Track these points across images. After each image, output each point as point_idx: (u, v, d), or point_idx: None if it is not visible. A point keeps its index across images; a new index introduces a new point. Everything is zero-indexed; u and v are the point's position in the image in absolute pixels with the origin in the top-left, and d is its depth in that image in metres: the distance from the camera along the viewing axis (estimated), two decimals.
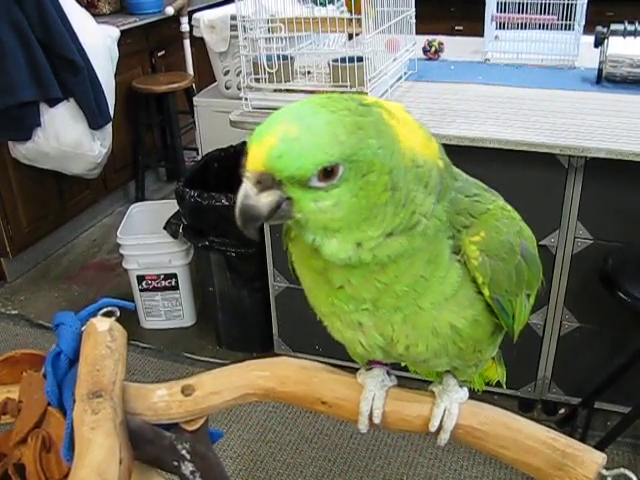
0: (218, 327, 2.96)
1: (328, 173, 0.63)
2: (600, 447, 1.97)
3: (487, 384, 1.09)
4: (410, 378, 0.90)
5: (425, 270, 0.72)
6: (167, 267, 2.97)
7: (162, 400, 0.86)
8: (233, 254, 2.64)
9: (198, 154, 3.64)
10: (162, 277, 2.99)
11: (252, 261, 2.66)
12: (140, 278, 2.99)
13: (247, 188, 0.65)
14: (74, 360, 0.85)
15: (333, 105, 0.65)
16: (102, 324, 0.85)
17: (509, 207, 0.81)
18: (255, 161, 0.64)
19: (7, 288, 3.53)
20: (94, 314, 0.90)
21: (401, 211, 0.68)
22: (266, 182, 0.64)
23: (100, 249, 3.88)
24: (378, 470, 2.36)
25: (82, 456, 0.71)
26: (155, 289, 3.02)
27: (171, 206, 2.94)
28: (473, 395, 0.88)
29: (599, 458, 0.77)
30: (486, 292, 0.76)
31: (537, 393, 2.49)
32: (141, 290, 3.01)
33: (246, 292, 2.77)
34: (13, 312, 3.33)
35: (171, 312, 3.10)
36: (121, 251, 2.98)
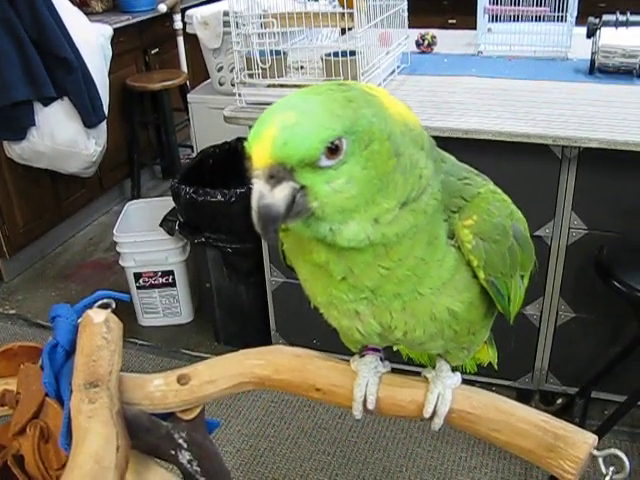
0: (216, 323, 2.96)
1: (334, 149, 0.64)
2: (597, 435, 1.98)
3: (484, 370, 1.10)
4: (403, 370, 0.90)
5: (425, 252, 0.73)
6: (164, 264, 2.97)
7: (158, 389, 0.87)
8: (229, 250, 2.65)
9: (193, 151, 3.65)
10: (159, 274, 2.99)
11: (249, 256, 2.67)
12: (137, 275, 2.99)
13: (260, 188, 0.64)
14: (71, 352, 0.86)
15: (317, 90, 0.67)
16: (98, 316, 0.86)
17: (499, 190, 0.82)
18: (261, 157, 0.63)
19: (4, 288, 3.53)
20: (90, 306, 0.90)
21: (410, 176, 0.69)
22: (278, 174, 0.63)
23: (97, 247, 3.89)
24: (377, 462, 2.37)
25: (80, 444, 0.72)
26: (152, 286, 3.03)
27: (167, 203, 2.94)
28: (471, 385, 0.89)
29: (590, 439, 0.78)
30: (481, 275, 0.77)
31: (534, 384, 2.50)
32: (138, 287, 3.02)
33: (243, 287, 2.78)
34: (11, 312, 3.33)
35: (168, 309, 3.10)
36: (118, 249, 2.99)
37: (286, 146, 0.62)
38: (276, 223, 0.66)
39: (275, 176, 0.63)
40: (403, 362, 1.05)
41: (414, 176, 0.69)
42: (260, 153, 0.63)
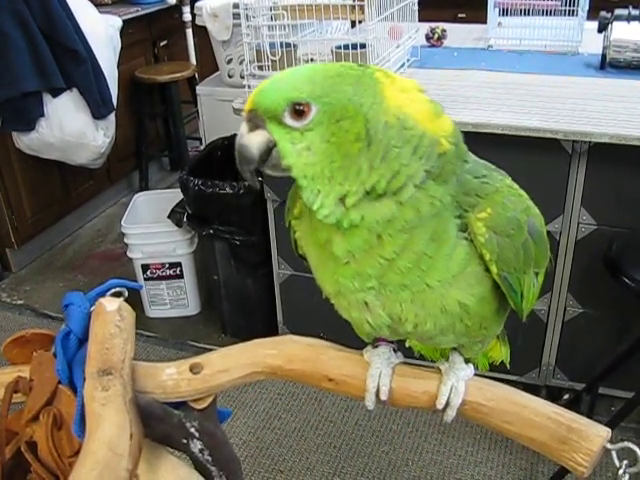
0: (223, 315, 2.97)
1: (300, 111, 0.68)
2: None
3: (491, 365, 1.10)
4: (415, 364, 0.90)
5: (428, 248, 0.73)
6: (172, 256, 2.98)
7: (171, 378, 0.87)
8: (237, 242, 2.65)
9: (201, 143, 3.65)
10: (167, 266, 3.00)
11: (256, 249, 2.67)
12: (145, 267, 3.00)
13: (241, 127, 0.72)
14: (83, 339, 0.86)
15: (332, 64, 0.72)
16: (111, 304, 0.86)
17: (516, 185, 0.81)
18: (248, 102, 0.72)
19: (12, 278, 3.55)
20: (103, 294, 0.91)
21: (380, 167, 0.69)
22: (254, 119, 0.71)
23: (104, 239, 3.90)
24: (383, 456, 2.37)
25: (93, 431, 0.72)
26: (160, 278, 3.03)
27: (175, 195, 2.95)
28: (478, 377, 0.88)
29: (604, 432, 0.77)
30: (494, 269, 0.76)
31: (541, 379, 2.50)
32: (146, 279, 3.03)
33: (250, 280, 2.78)
34: (19, 302, 3.34)
35: (176, 301, 3.11)
36: (125, 240, 2.99)
37: (259, 95, 0.70)
38: (250, 165, 0.72)
39: (251, 120, 0.71)
40: (414, 357, 1.05)
41: (388, 169, 0.69)
42: (249, 99, 0.72)
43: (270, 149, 0.71)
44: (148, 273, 3.01)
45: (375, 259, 0.73)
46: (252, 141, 0.71)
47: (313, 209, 0.72)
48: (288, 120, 0.69)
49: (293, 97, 0.68)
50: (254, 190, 2.50)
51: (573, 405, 2.43)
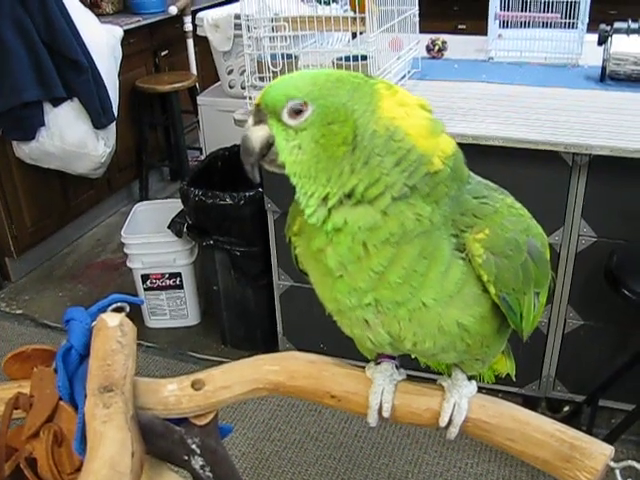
0: (222, 326, 2.96)
1: (297, 110, 0.71)
2: None
3: (496, 377, 1.10)
4: (419, 377, 0.90)
5: (417, 265, 0.72)
6: (171, 266, 2.97)
7: (172, 394, 0.86)
8: (237, 253, 2.65)
9: (202, 153, 3.65)
10: (166, 276, 2.99)
11: (257, 260, 2.66)
12: (145, 277, 2.99)
13: (249, 120, 0.75)
14: (85, 355, 0.86)
15: (337, 71, 0.75)
16: (112, 319, 0.86)
17: (517, 205, 0.81)
18: (257, 97, 0.75)
19: (11, 288, 3.54)
20: (104, 310, 0.90)
21: (360, 171, 0.70)
22: (259, 114, 0.74)
23: (104, 248, 3.89)
24: (383, 468, 2.36)
25: (95, 449, 0.71)
26: (160, 288, 3.03)
27: (175, 205, 2.94)
28: (479, 392, 0.88)
29: (607, 450, 0.77)
30: (492, 290, 0.76)
31: (542, 391, 2.49)
32: (145, 289, 3.02)
33: (250, 291, 2.78)
34: (18, 312, 3.33)
35: (176, 311, 3.10)
36: (125, 250, 2.99)
37: (266, 91, 0.74)
38: (251, 157, 0.75)
39: (257, 115, 0.74)
40: (419, 369, 1.05)
41: (368, 175, 0.70)
42: (258, 95, 0.75)
43: (270, 144, 0.73)
44: (148, 283, 3.01)
45: (366, 272, 0.73)
46: (254, 134, 0.74)
47: (304, 213, 0.74)
48: (286, 117, 0.71)
49: (292, 95, 0.71)
50: (255, 199, 2.51)
51: (573, 417, 2.43)
